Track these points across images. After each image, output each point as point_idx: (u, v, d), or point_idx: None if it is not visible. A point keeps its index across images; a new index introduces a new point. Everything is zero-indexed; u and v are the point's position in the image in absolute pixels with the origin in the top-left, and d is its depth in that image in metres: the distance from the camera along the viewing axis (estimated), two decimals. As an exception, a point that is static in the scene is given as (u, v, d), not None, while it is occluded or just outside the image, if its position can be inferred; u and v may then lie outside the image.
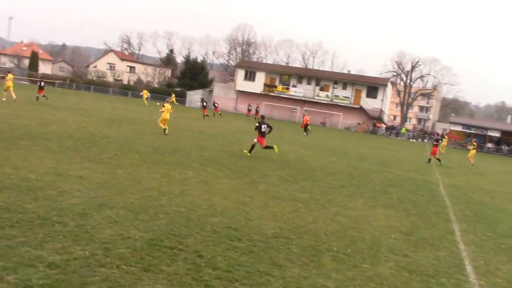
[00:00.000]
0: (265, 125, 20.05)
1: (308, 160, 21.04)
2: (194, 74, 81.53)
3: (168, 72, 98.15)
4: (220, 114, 43.51)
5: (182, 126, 30.17)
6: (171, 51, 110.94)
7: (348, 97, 69.23)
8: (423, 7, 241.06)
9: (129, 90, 79.05)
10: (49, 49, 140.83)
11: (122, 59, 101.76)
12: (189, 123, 34.72)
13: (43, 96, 32.78)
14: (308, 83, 71.78)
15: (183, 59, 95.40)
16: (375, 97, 68.76)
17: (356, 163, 23.09)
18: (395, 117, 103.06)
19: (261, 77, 72.23)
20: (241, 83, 72.92)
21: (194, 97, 72.45)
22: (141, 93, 59.14)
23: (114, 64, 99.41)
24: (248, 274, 6.56)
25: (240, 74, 73.72)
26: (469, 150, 36.50)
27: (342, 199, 13.03)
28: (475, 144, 35.17)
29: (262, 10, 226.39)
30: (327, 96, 69.91)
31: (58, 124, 20.91)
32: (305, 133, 40.03)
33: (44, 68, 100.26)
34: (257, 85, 71.78)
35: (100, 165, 12.80)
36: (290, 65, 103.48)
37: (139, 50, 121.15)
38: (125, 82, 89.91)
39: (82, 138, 17.37)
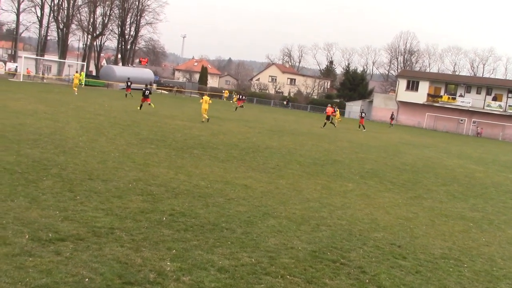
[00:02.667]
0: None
1: (479, 176, 19.44)
2: (353, 85, 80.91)
3: (328, 84, 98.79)
4: (363, 126, 41.40)
5: (341, 137, 30.02)
6: (331, 62, 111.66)
7: (526, 107, 62.73)
8: None
9: (289, 102, 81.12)
10: (217, 64, 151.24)
11: (283, 72, 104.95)
12: (348, 134, 34.44)
13: (149, 104, 31.24)
14: (478, 93, 66.57)
15: (343, 70, 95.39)
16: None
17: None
18: None
19: (424, 87, 68.89)
20: (403, 94, 70.31)
21: (353, 108, 71.81)
22: (224, 92, 61.42)
23: (276, 76, 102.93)
24: (414, 295, 6.21)
25: (402, 84, 71.15)
26: None
27: (520, 221, 11.76)
28: None
29: (425, 17, 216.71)
30: (500, 106, 64.10)
31: (225, 134, 22.22)
32: (332, 124, 38.18)
33: (212, 82, 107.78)
34: (420, 95, 68.58)
35: (264, 174, 13.26)
36: (456, 73, 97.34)
37: (299, 62, 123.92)
38: (286, 94, 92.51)
39: (246, 148, 18.21)
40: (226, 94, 65.68)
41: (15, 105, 23.28)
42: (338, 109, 45.33)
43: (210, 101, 28.98)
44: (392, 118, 58.99)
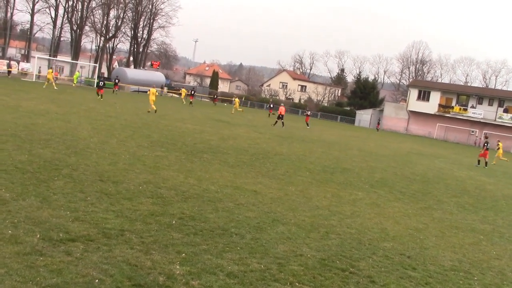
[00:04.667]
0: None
1: (489, 188, 19.28)
2: (364, 94, 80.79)
3: (338, 91, 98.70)
4: (307, 123, 45.38)
5: (351, 146, 29.95)
6: (342, 70, 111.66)
7: (538, 120, 62.23)
8: None
9: (299, 109, 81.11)
10: (228, 68, 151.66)
11: (294, 78, 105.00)
12: (358, 142, 34.34)
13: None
14: (490, 104, 66.27)
15: (354, 78, 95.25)
16: None
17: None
18: None
19: (436, 97, 68.64)
20: (414, 103, 70.11)
21: (364, 116, 71.67)
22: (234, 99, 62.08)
23: (287, 83, 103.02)
24: (424, 307, 6.16)
25: (413, 93, 70.96)
26: None
27: (531, 235, 11.64)
28: None
29: (438, 27, 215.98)
30: (511, 118, 63.72)
31: (235, 139, 22.24)
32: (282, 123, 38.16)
33: (223, 86, 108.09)
34: (431, 105, 68.35)
35: (273, 180, 13.25)
36: (468, 84, 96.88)
37: (311, 69, 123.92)
38: (296, 100, 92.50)
39: (256, 153, 18.21)
40: (237, 103, 62.83)
41: (28, 105, 23.47)
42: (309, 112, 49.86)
43: (157, 93, 32.61)
44: (378, 124, 65.77)
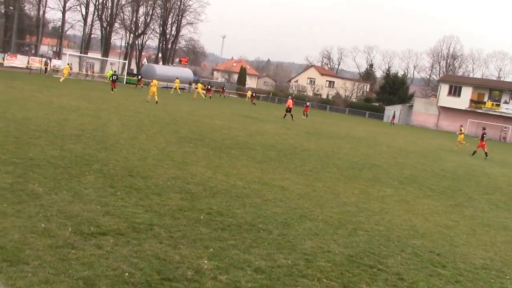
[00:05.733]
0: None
1: (522, 186, 18.84)
2: (393, 89, 79.75)
3: (367, 87, 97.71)
4: (306, 114, 45.24)
5: (379, 142, 29.65)
6: (371, 65, 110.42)
7: None
8: None
9: (327, 104, 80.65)
10: (255, 64, 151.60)
11: (322, 74, 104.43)
12: (387, 138, 33.96)
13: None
14: (523, 100, 64.66)
15: (383, 74, 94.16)
16: None
17: None
18: None
19: (467, 93, 67.28)
20: (445, 99, 68.89)
21: (392, 112, 70.81)
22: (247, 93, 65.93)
23: (314, 78, 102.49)
24: (454, 305, 6.07)
25: (444, 89, 69.72)
26: None
27: None
28: None
29: (470, 21, 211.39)
30: (546, 114, 62.07)
31: (263, 135, 22.26)
32: (291, 116, 37.51)
33: (251, 83, 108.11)
34: (463, 101, 67.03)
35: (301, 176, 13.22)
36: (501, 79, 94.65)
37: (339, 65, 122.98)
38: (324, 96, 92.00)
39: (284, 149, 18.19)
40: (249, 94, 65.87)
41: (60, 101, 23.96)
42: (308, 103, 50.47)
43: (158, 85, 35.08)
44: (393, 117, 64.60)
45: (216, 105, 43.38)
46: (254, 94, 63.11)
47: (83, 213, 7.20)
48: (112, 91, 39.65)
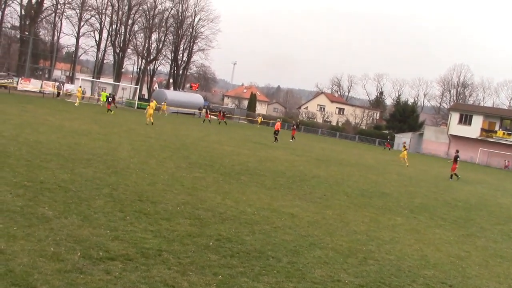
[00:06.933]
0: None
1: (535, 216, 18.56)
2: (403, 117, 79.74)
3: (377, 114, 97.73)
4: (293, 137, 45.28)
5: (390, 170, 29.49)
6: (381, 93, 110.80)
7: None
8: None
9: (337, 131, 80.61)
10: (265, 91, 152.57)
11: (332, 101, 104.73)
12: (397, 167, 33.78)
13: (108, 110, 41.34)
14: (535, 129, 64.23)
15: (393, 101, 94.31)
16: None
17: None
18: None
19: (478, 121, 67.02)
20: (455, 127, 68.65)
21: (403, 139, 70.57)
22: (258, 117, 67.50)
23: (324, 105, 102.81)
24: None
25: (454, 117, 69.55)
26: None
27: None
28: None
29: (480, 50, 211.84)
30: (558, 143, 61.51)
31: (272, 161, 22.24)
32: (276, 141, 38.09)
33: (260, 109, 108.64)
34: (473, 129, 66.74)
35: (310, 204, 13.14)
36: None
37: (349, 92, 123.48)
38: (334, 123, 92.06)
39: (293, 176, 18.14)
40: (259, 120, 70.09)
41: (71, 125, 24.17)
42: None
43: (155, 108, 37.36)
44: (388, 143, 64.32)
45: (226, 130, 43.52)
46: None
47: (92, 238, 7.18)
48: (107, 112, 40.42)
